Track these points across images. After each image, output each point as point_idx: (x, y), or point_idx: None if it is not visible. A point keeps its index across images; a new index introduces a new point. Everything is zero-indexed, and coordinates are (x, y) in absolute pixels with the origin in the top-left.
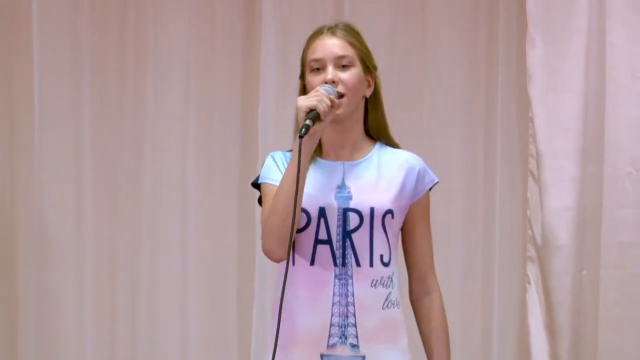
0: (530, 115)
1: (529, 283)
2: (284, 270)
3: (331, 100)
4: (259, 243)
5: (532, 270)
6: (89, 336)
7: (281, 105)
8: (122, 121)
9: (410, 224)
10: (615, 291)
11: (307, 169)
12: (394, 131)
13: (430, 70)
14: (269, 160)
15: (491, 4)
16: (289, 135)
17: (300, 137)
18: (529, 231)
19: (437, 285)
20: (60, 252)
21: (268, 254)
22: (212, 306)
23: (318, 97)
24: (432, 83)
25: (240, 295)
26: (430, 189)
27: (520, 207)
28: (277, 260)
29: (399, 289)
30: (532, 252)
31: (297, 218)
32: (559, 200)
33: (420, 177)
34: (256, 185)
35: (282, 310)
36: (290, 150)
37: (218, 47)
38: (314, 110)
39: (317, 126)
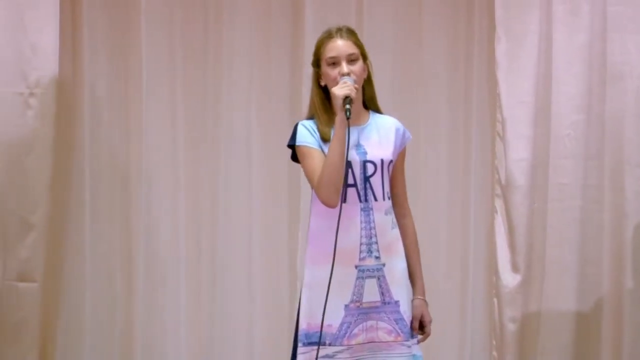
0: (497, 92)
1: (496, 212)
2: (322, 209)
3: (355, 88)
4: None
5: (499, 203)
6: (181, 232)
7: None
8: (204, 90)
9: (394, 168)
10: (557, 218)
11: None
12: (402, 104)
13: (425, 61)
14: (301, 128)
15: (469, 13)
16: None
17: (348, 118)
18: (496, 175)
19: (409, 210)
20: (160, 182)
21: (327, 201)
22: (268, 218)
23: (349, 86)
24: (427, 71)
25: (290, 211)
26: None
27: (490, 158)
28: (333, 206)
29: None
30: (498, 190)
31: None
32: (517, 153)
33: (402, 136)
34: (290, 145)
35: (325, 236)
36: (310, 118)
37: (272, 40)
38: (349, 97)
39: (352, 107)
